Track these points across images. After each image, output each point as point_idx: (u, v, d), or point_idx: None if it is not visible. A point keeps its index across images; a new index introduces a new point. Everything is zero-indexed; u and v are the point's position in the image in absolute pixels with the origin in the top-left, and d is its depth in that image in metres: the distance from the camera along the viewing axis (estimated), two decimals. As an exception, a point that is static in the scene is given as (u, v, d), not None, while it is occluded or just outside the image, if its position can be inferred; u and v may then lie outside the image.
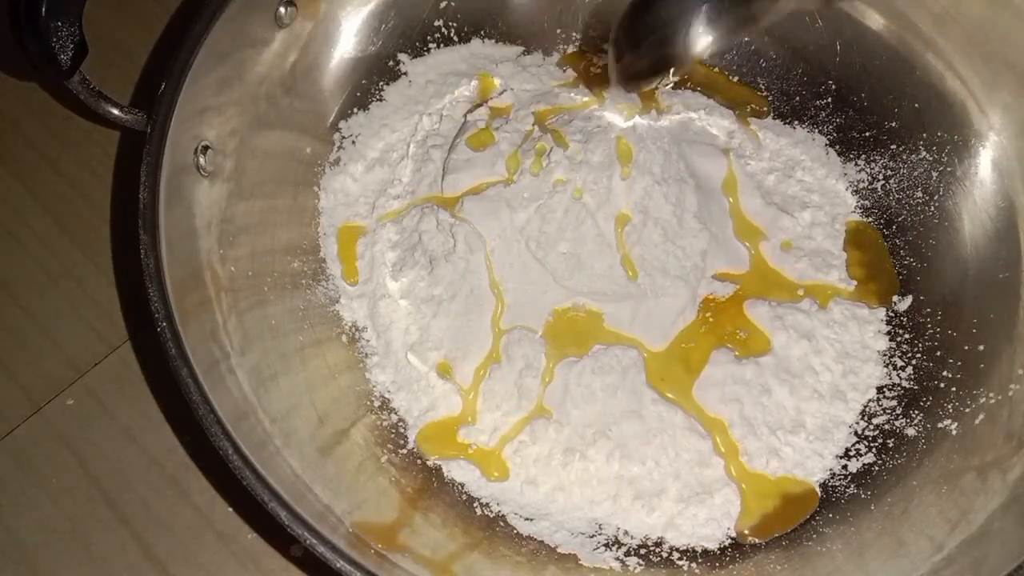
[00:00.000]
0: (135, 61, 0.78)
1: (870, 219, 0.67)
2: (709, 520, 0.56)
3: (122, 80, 0.77)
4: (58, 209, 0.73)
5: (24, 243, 0.72)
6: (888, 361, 0.61)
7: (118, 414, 0.65)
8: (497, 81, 0.70)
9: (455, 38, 0.72)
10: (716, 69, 0.72)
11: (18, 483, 0.63)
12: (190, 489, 0.62)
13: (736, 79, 0.71)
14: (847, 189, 0.68)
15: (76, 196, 0.73)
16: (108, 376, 0.66)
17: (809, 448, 0.58)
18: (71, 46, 0.52)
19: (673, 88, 0.70)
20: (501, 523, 0.56)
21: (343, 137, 0.68)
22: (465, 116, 0.68)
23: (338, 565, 0.45)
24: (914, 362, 0.61)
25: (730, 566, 0.55)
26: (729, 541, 0.56)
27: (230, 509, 0.62)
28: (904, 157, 0.66)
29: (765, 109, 0.70)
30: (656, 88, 0.70)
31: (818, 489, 0.57)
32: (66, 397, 0.66)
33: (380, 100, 0.69)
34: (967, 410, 0.57)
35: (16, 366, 0.67)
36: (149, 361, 0.67)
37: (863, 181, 0.67)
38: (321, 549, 0.45)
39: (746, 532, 0.55)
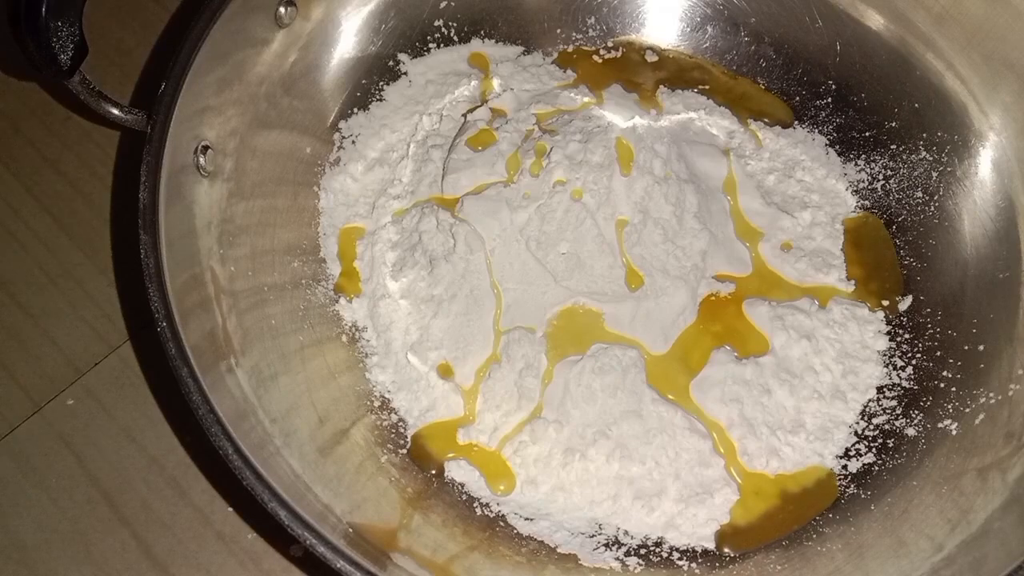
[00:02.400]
0: (135, 61, 0.78)
1: (870, 219, 0.67)
2: (709, 520, 0.56)
3: (122, 80, 0.77)
4: (58, 209, 0.73)
5: (24, 243, 0.72)
6: (888, 361, 0.61)
7: (118, 414, 0.65)
8: (496, 81, 0.70)
9: (455, 38, 0.72)
10: (735, 75, 0.71)
11: (18, 483, 0.63)
12: (190, 489, 0.62)
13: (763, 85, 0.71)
14: (847, 189, 0.67)
15: (76, 196, 0.73)
16: (108, 376, 0.66)
17: (809, 448, 0.58)
18: (71, 46, 0.52)
19: (673, 88, 0.70)
20: (501, 523, 0.56)
21: (343, 137, 0.68)
22: (465, 116, 0.68)
23: (338, 565, 0.45)
24: (914, 362, 0.61)
25: (730, 566, 0.55)
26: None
27: (230, 509, 0.62)
28: (904, 157, 0.66)
29: (789, 119, 0.70)
30: (656, 88, 0.70)
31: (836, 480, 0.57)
32: (66, 397, 0.66)
33: (380, 100, 0.69)
34: (967, 410, 0.57)
35: (16, 366, 0.67)
36: (149, 361, 0.67)
37: (863, 181, 0.67)
38: (321, 549, 0.45)
39: (726, 549, 0.55)
